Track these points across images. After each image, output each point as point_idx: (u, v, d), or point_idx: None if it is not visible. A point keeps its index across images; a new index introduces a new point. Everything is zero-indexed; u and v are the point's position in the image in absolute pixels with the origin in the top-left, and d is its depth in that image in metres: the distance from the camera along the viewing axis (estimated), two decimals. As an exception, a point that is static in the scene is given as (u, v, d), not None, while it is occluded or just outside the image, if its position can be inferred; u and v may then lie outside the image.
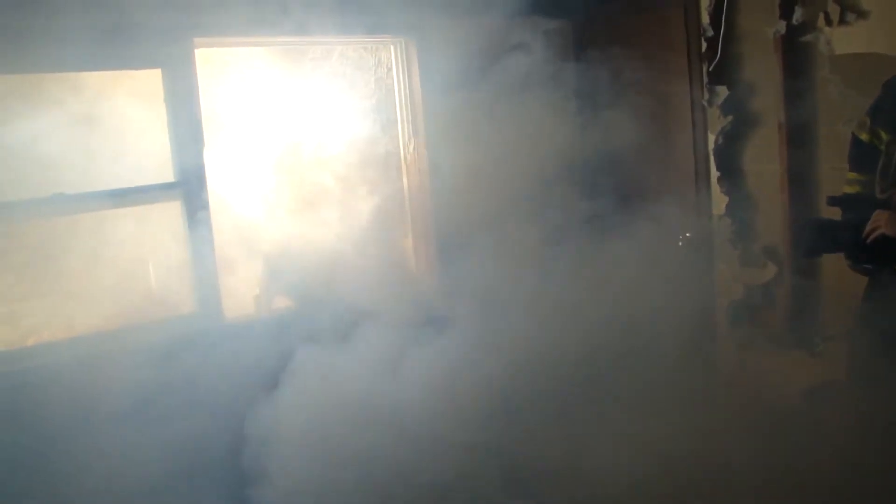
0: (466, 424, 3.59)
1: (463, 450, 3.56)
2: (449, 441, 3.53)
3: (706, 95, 4.18)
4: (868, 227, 2.92)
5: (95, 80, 3.77)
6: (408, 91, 4.30)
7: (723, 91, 4.13)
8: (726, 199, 4.21)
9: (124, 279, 4.14)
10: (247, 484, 3.57)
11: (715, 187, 4.24)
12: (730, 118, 4.14)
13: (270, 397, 3.63)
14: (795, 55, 3.88)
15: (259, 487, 3.54)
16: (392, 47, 4.32)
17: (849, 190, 3.31)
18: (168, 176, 3.70)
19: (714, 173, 4.23)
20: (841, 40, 3.72)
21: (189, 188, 3.69)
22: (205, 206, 3.71)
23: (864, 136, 3.12)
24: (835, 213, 3.46)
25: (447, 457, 3.52)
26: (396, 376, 3.72)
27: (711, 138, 4.21)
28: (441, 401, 3.62)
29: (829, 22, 3.74)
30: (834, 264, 3.75)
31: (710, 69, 4.14)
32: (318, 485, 3.46)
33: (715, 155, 4.22)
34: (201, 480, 3.47)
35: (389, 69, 4.39)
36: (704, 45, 4.16)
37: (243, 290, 4.15)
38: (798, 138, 3.94)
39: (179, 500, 3.43)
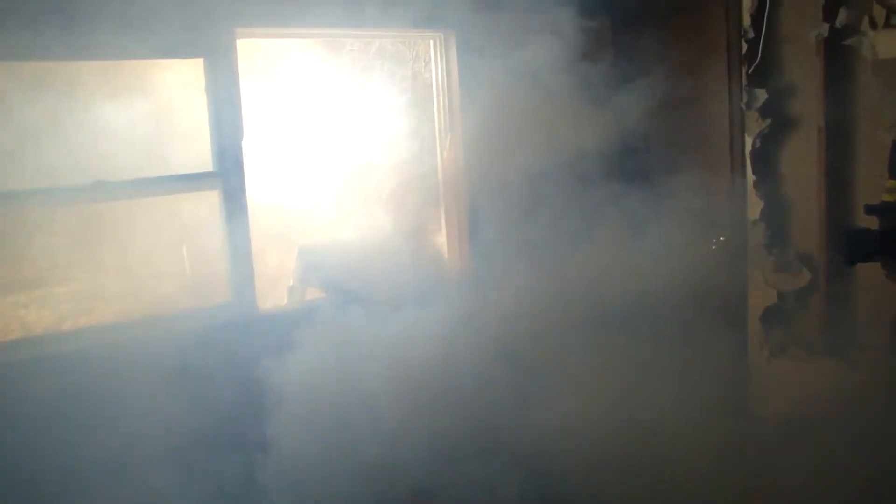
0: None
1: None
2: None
3: (745, 98, 4.14)
4: None
5: (138, 69, 3.83)
6: (445, 86, 4.31)
7: (762, 94, 4.09)
8: (762, 203, 4.17)
9: (161, 267, 4.20)
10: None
11: (751, 191, 4.20)
12: (768, 121, 4.10)
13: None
14: (837, 59, 3.84)
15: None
16: (431, 41, 4.32)
17: (888, 198, 3.28)
18: (207, 165, 3.73)
19: (750, 177, 4.19)
20: (885, 44, 3.67)
21: (227, 178, 3.72)
22: (242, 195, 3.74)
23: None
24: (872, 222, 3.43)
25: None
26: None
27: (749, 141, 4.18)
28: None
29: (873, 25, 3.70)
30: (870, 273, 3.71)
31: (750, 71, 4.10)
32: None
33: (752, 158, 4.18)
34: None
35: (427, 63, 4.39)
36: (745, 46, 4.12)
37: (278, 281, 4.20)
38: (837, 143, 3.89)
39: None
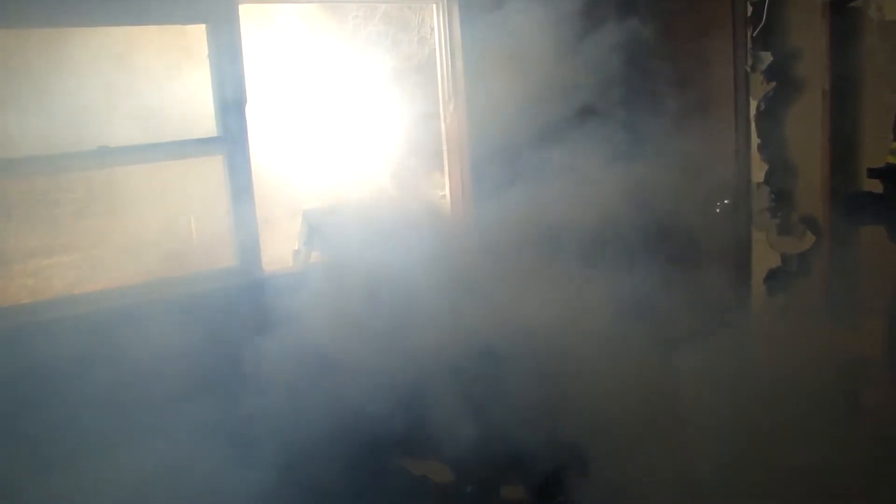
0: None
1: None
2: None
3: (750, 61, 4.12)
4: None
5: (141, 35, 3.82)
6: (448, 50, 4.30)
7: (767, 56, 4.07)
8: (766, 166, 4.17)
9: (166, 232, 4.22)
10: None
11: (755, 154, 4.19)
12: (773, 84, 4.08)
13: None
14: (843, 21, 3.81)
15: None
16: (434, 5, 4.30)
17: (892, 160, 3.27)
18: (211, 131, 3.75)
19: (755, 139, 4.18)
20: (892, 6, 3.64)
21: (231, 143, 3.74)
22: (246, 160, 3.76)
23: None
24: (876, 185, 3.43)
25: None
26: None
27: (753, 104, 4.16)
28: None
29: (880, -14, 3.67)
30: (874, 236, 3.71)
31: (755, 34, 4.08)
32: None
33: (756, 121, 4.17)
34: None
35: (433, 29, 4.38)
36: (750, 9, 4.10)
37: (283, 245, 4.22)
38: (842, 106, 3.88)
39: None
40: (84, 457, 3.30)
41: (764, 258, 4.26)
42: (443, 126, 4.33)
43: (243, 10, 3.75)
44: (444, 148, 4.40)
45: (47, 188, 4.73)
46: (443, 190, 4.50)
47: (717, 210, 4.32)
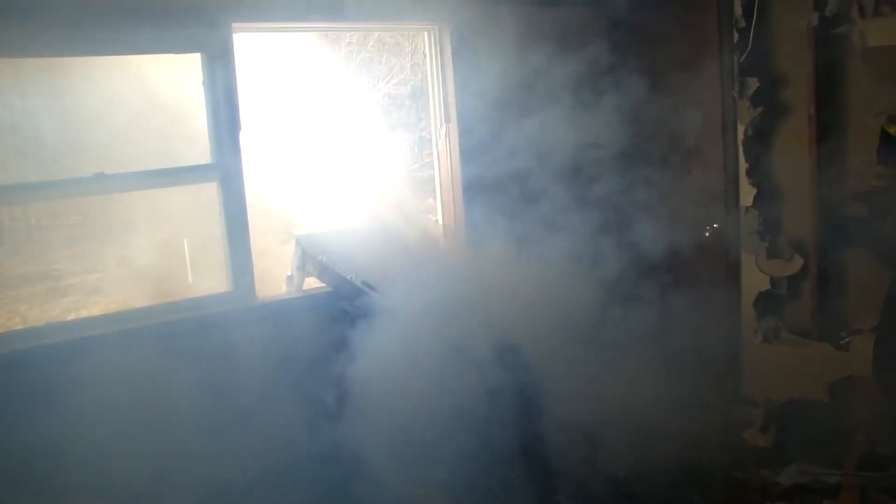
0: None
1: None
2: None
3: (736, 86, 4.19)
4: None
5: (137, 63, 3.86)
6: (440, 76, 4.34)
7: (753, 82, 4.13)
8: (754, 190, 4.22)
9: (160, 257, 4.23)
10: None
11: (743, 178, 4.24)
12: (759, 110, 4.15)
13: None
14: (828, 47, 3.89)
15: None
16: (426, 33, 4.35)
17: (876, 183, 3.33)
18: (205, 158, 3.77)
19: (743, 164, 4.23)
20: (875, 32, 3.72)
21: (225, 169, 3.76)
22: (241, 187, 3.78)
23: (892, 130, 3.13)
24: (861, 208, 3.49)
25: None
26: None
27: (741, 129, 4.22)
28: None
29: (863, 14, 3.75)
30: (861, 258, 3.77)
31: (742, 60, 4.15)
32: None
33: (744, 146, 4.23)
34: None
35: (426, 55, 4.43)
36: (736, 35, 4.16)
37: (276, 271, 4.24)
38: (828, 131, 3.94)
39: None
40: (73, 483, 3.29)
41: (753, 281, 4.30)
42: (435, 152, 4.37)
43: (237, 37, 3.80)
44: (437, 173, 4.43)
45: (41, 213, 4.74)
46: (435, 215, 4.53)
47: (707, 234, 4.36)
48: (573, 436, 3.70)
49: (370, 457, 3.56)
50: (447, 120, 4.35)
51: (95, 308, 4.45)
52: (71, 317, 4.47)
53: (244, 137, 3.81)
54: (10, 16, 3.17)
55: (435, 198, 4.52)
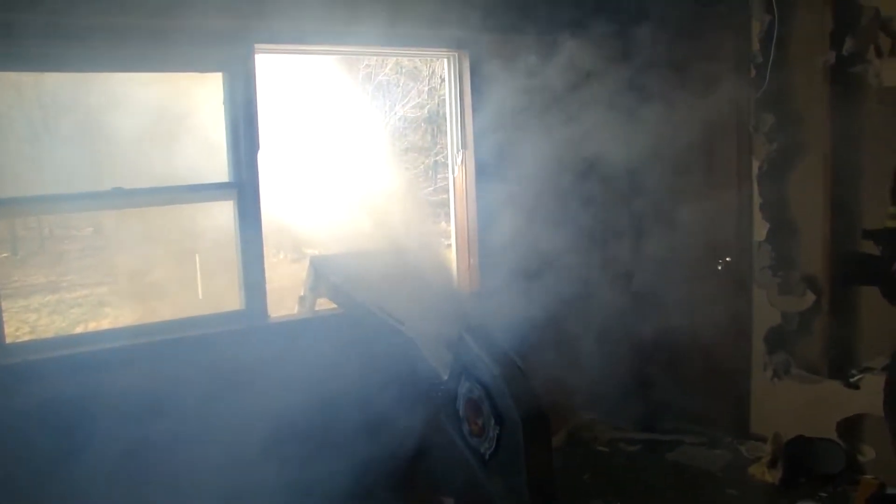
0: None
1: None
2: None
3: (752, 122, 4.21)
4: None
5: (157, 80, 3.89)
6: (458, 103, 4.37)
7: (769, 118, 4.15)
8: (767, 225, 4.23)
9: (171, 272, 4.24)
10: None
11: (757, 213, 4.25)
12: (775, 145, 4.16)
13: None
14: (844, 86, 3.90)
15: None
16: (445, 60, 4.39)
17: (890, 224, 3.34)
18: (223, 176, 3.79)
19: (757, 199, 4.25)
20: (891, 72, 3.74)
21: (242, 189, 3.78)
22: (257, 206, 3.80)
23: None
24: (872, 246, 3.49)
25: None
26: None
27: (755, 164, 4.23)
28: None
29: (879, 54, 3.77)
30: (873, 296, 3.76)
31: (758, 96, 4.17)
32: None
33: (758, 181, 4.24)
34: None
35: (443, 80, 4.46)
36: (753, 71, 4.19)
37: (289, 291, 4.25)
38: (842, 169, 3.95)
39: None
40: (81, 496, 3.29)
41: (764, 316, 4.30)
42: (451, 177, 4.39)
43: (258, 58, 3.83)
44: (452, 199, 4.45)
45: (54, 224, 4.76)
46: (448, 239, 4.54)
47: (720, 267, 4.37)
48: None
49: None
50: (464, 146, 4.37)
51: (104, 321, 4.46)
52: (79, 329, 4.48)
53: (262, 157, 3.83)
54: (34, 32, 3.20)
55: (448, 222, 4.53)
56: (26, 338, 4.50)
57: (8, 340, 3.42)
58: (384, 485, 3.75)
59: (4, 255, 4.89)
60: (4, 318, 3.48)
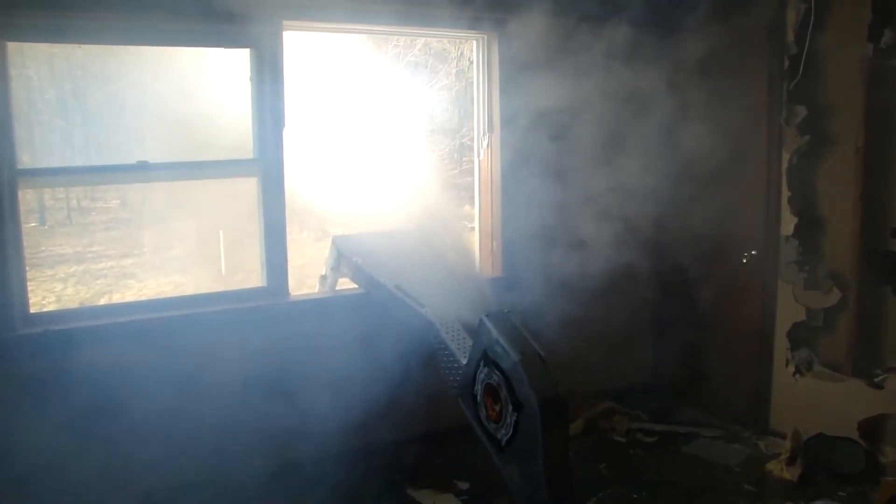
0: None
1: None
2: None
3: (784, 114, 4.13)
4: None
5: (185, 55, 3.89)
6: (486, 86, 4.34)
7: (801, 110, 4.08)
8: (795, 219, 4.16)
9: (197, 249, 4.27)
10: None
11: (785, 207, 4.19)
12: (806, 138, 4.09)
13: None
14: (880, 79, 3.82)
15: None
16: (474, 42, 4.35)
17: (920, 221, 3.28)
18: (247, 153, 3.80)
19: (785, 192, 4.18)
20: (928, 68, 3.66)
21: (267, 166, 3.78)
22: (281, 184, 3.80)
23: None
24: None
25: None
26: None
27: (785, 157, 4.17)
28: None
29: (918, 47, 3.69)
30: (899, 295, 3.71)
31: (791, 87, 4.09)
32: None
33: (788, 174, 4.17)
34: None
35: (472, 62, 4.42)
36: (787, 62, 4.11)
37: (310, 270, 4.26)
38: (875, 164, 3.88)
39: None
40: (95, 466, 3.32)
41: (788, 311, 4.24)
42: (476, 160, 4.37)
43: (286, 35, 3.81)
44: (477, 182, 4.43)
45: (82, 195, 4.79)
46: (471, 222, 4.52)
47: (745, 260, 4.32)
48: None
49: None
50: (490, 129, 4.34)
51: (128, 293, 4.49)
52: (103, 300, 4.51)
53: (288, 134, 3.83)
54: (67, 4, 3.21)
55: (473, 205, 4.51)
56: (51, 307, 4.54)
57: (33, 310, 3.47)
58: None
59: (32, 224, 4.96)
60: (31, 287, 3.53)
